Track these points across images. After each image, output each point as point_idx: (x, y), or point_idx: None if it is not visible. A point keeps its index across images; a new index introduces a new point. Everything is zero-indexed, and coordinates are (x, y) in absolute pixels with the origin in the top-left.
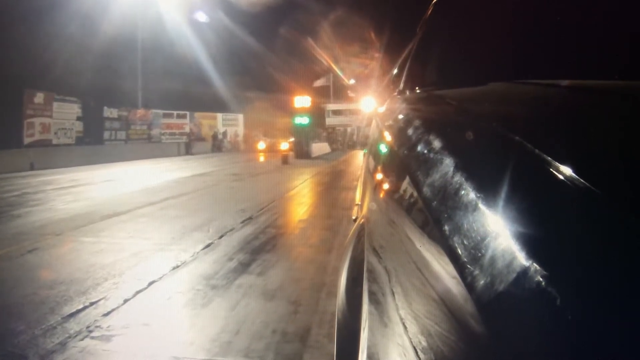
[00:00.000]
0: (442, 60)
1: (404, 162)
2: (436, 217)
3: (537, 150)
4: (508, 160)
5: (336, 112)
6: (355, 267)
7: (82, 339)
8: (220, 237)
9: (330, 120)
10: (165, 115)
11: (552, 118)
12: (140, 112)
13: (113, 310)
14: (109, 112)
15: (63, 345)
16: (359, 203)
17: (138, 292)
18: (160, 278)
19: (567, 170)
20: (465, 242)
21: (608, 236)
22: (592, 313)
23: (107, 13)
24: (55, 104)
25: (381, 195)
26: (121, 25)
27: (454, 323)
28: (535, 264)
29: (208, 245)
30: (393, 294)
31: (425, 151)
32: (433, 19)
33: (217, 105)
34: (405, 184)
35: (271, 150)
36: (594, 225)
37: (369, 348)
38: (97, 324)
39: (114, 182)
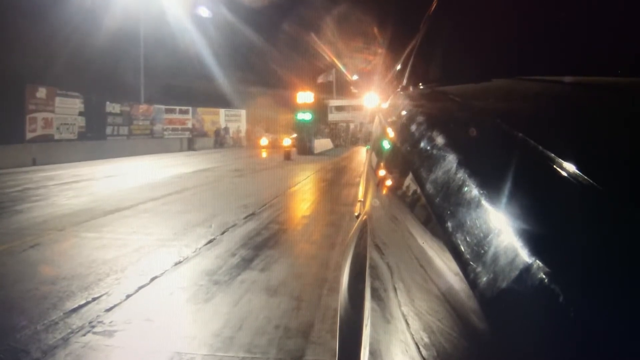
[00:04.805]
0: (446, 56)
1: (406, 159)
2: (439, 213)
3: (540, 147)
4: (511, 157)
5: (339, 108)
6: (357, 264)
7: (84, 335)
8: (223, 232)
9: (333, 116)
10: (167, 111)
11: (555, 114)
12: (143, 107)
13: (115, 305)
14: (112, 107)
15: (65, 340)
16: (362, 199)
17: (140, 287)
18: (163, 273)
19: (570, 167)
20: (468, 238)
21: (611, 233)
22: (595, 310)
23: (109, 8)
24: (57, 99)
25: (384, 191)
26: (124, 20)
27: (456, 320)
28: (538, 261)
29: (210, 241)
30: (395, 290)
31: (428, 148)
32: (437, 14)
33: (219, 100)
34: (408, 180)
35: (274, 146)
36: (596, 221)
37: (371, 344)
38: (100, 320)
39: (116, 178)
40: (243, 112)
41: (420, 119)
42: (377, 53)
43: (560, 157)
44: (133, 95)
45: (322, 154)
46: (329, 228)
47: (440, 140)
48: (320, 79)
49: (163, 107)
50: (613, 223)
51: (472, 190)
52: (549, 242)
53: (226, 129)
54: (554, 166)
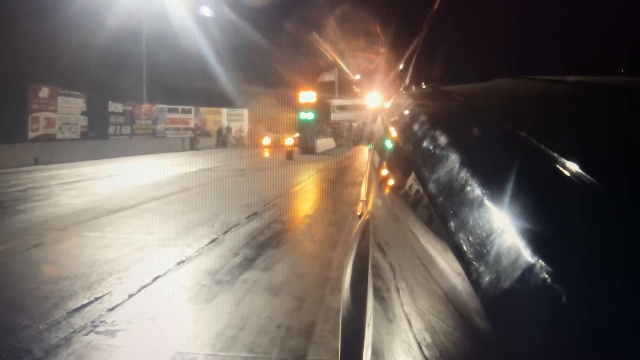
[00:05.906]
0: (448, 55)
1: (409, 158)
2: (441, 213)
3: (542, 146)
4: (513, 157)
5: (341, 108)
6: (360, 263)
7: (86, 334)
8: (225, 232)
9: (335, 116)
10: (170, 110)
11: (558, 114)
12: (145, 107)
13: (118, 305)
14: (114, 106)
15: (68, 340)
16: (364, 199)
17: (143, 287)
18: (165, 273)
19: (572, 166)
20: (470, 238)
21: (614, 233)
22: (598, 310)
23: (111, 7)
24: (59, 99)
25: (386, 191)
26: (126, 19)
27: (459, 320)
28: (541, 261)
29: (213, 241)
30: (398, 290)
31: (431, 147)
32: (439, 14)
33: (222, 100)
34: (411, 180)
35: (276, 145)
36: (599, 221)
37: (373, 344)
38: (102, 319)
39: (119, 177)
40: (245, 112)
41: (422, 118)
42: (379, 52)
43: (564, 157)
44: (135, 95)
45: (324, 153)
46: (331, 228)
47: (442, 139)
48: (322, 79)
49: (165, 106)
50: (616, 223)
51: (475, 189)
52: (552, 242)
53: (228, 129)
54: (557, 166)
